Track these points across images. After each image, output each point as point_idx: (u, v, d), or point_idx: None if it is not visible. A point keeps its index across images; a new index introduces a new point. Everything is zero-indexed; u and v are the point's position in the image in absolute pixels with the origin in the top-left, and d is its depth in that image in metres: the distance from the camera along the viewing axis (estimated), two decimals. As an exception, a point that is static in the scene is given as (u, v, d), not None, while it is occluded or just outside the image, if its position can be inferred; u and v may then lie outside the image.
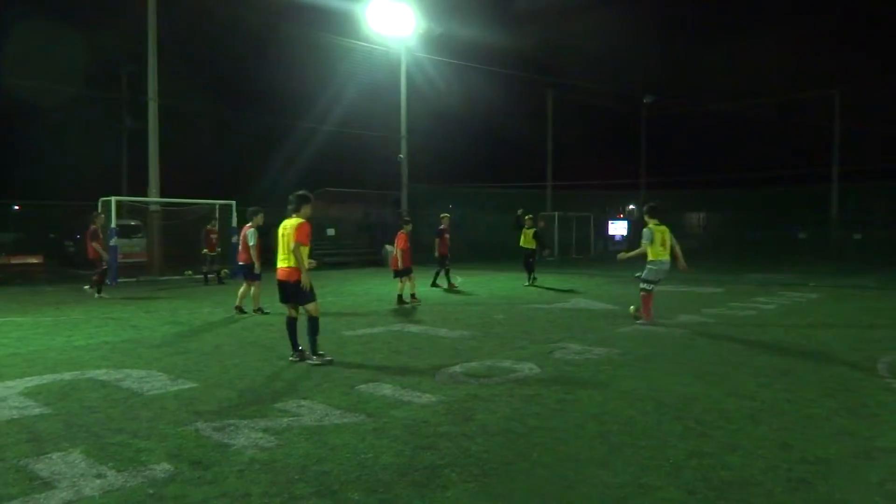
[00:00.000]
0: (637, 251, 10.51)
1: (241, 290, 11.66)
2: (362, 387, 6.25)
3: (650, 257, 10.23)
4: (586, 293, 15.06)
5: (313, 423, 5.13)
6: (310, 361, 7.29)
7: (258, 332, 9.71)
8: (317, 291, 11.50)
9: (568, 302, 13.40)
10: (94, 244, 13.85)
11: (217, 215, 19.47)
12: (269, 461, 4.31)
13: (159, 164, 20.91)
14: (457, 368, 7.04)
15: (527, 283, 16.97)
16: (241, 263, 11.66)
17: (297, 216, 7.25)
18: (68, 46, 30.68)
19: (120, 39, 29.99)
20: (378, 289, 16.37)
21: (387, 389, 6.15)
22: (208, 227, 18.07)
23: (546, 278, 18.29)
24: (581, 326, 10.14)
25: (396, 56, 27.63)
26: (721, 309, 12.02)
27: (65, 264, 23.32)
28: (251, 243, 11.28)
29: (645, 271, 10.34)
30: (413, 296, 13.03)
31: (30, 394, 6.01)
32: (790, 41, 42.60)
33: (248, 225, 11.50)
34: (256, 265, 11.30)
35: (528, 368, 7.04)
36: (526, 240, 17.31)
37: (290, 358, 7.41)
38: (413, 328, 9.92)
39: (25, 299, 14.15)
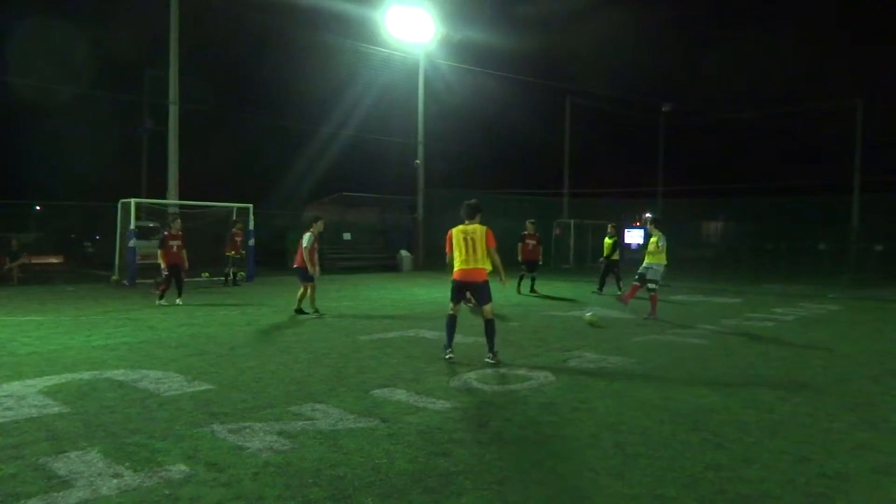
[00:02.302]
0: (662, 259, 12.09)
1: (300, 292, 11.87)
2: (377, 392, 6.26)
3: (661, 261, 12.08)
4: (601, 302, 14.98)
5: (328, 427, 5.14)
6: (486, 359, 7.64)
7: (273, 334, 9.75)
8: (333, 296, 11.58)
9: (584, 310, 13.31)
10: (161, 250, 13.32)
11: (235, 217, 19.61)
12: (283, 464, 4.33)
13: (178, 166, 21.11)
14: (471, 375, 7.03)
15: (594, 291, 16.89)
16: (295, 266, 11.83)
17: (474, 222, 7.76)
18: (89, 49, 31.14)
19: (142, 43, 30.39)
20: (393, 294, 16.40)
21: (401, 395, 6.15)
22: (234, 229, 18.20)
23: (562, 286, 18.22)
24: (596, 335, 10.08)
25: (414, 62, 27.73)
26: (739, 320, 11.90)
27: (84, 264, 23.61)
28: (305, 246, 11.49)
29: (653, 272, 12.05)
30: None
31: (49, 392, 6.08)
32: (813, 49, 42.21)
33: (310, 230, 11.67)
34: (310, 268, 11.52)
35: (542, 376, 7.01)
36: (608, 249, 17.13)
37: (446, 356, 7.79)
38: (428, 334, 9.92)
39: (45, 298, 14.33)
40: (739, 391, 6.49)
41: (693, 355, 8.42)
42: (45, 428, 5.02)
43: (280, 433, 4.95)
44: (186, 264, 13.86)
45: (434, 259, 27.25)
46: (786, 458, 4.60)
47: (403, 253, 27.01)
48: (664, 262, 12.06)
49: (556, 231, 31.78)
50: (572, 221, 32.12)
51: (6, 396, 5.92)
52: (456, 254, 7.72)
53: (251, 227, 20.41)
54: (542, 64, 40.26)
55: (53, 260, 20.89)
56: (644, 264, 12.16)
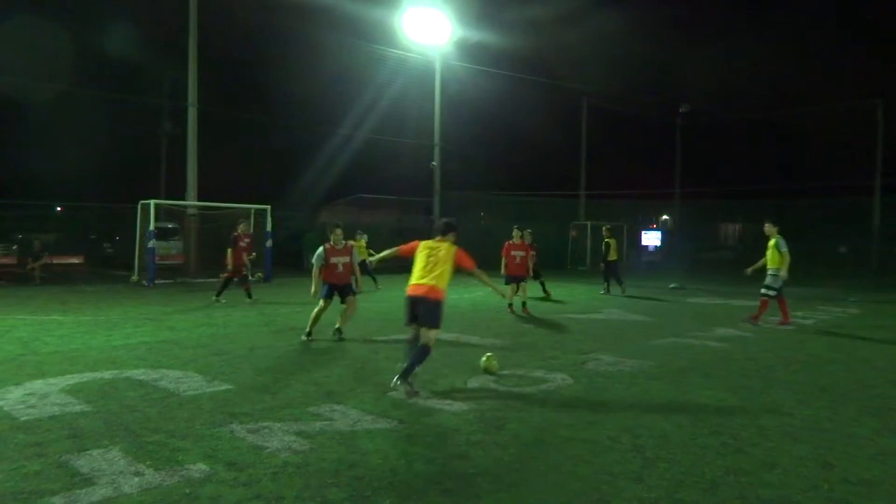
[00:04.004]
0: (781, 263, 11.35)
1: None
2: (394, 393, 6.26)
3: (780, 266, 11.35)
4: (619, 304, 14.90)
5: (346, 427, 5.16)
6: (395, 383, 6.34)
7: (291, 335, 9.80)
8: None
9: (600, 313, 13.27)
10: (232, 250, 13.89)
11: (251, 219, 19.70)
12: (302, 464, 4.35)
13: (197, 168, 21.32)
14: (488, 377, 7.02)
15: (620, 293, 17.06)
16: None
17: (445, 240, 7.01)
18: (111, 52, 31.48)
19: (163, 46, 30.69)
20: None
21: (419, 396, 6.16)
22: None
23: (578, 288, 18.17)
24: (614, 337, 10.03)
25: (431, 64, 27.78)
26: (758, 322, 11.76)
27: (104, 265, 23.88)
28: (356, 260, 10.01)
29: (774, 279, 11.36)
30: (521, 305, 13.03)
31: (71, 391, 6.16)
32: (835, 48, 41.77)
33: (350, 243, 10.05)
34: (357, 283, 10.07)
35: (560, 379, 6.99)
36: (608, 251, 17.45)
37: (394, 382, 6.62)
38: (444, 335, 9.88)
39: (66, 298, 14.52)
40: (759, 395, 6.43)
41: (712, 359, 8.36)
42: (67, 426, 5.09)
43: (299, 433, 4.98)
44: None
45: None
46: (807, 463, 4.55)
47: (419, 255, 27.02)
48: (782, 266, 11.28)
49: (573, 233, 31.68)
50: (589, 223, 31.98)
51: (29, 394, 6.00)
52: (414, 267, 6.93)
53: (269, 228, 20.55)
54: (558, 65, 40.18)
55: (74, 260, 21.16)
56: (768, 271, 11.45)
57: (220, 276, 14.43)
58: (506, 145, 40.63)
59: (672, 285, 18.92)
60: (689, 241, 33.05)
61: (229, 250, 13.95)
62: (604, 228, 18.02)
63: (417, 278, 6.81)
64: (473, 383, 6.71)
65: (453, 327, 10.78)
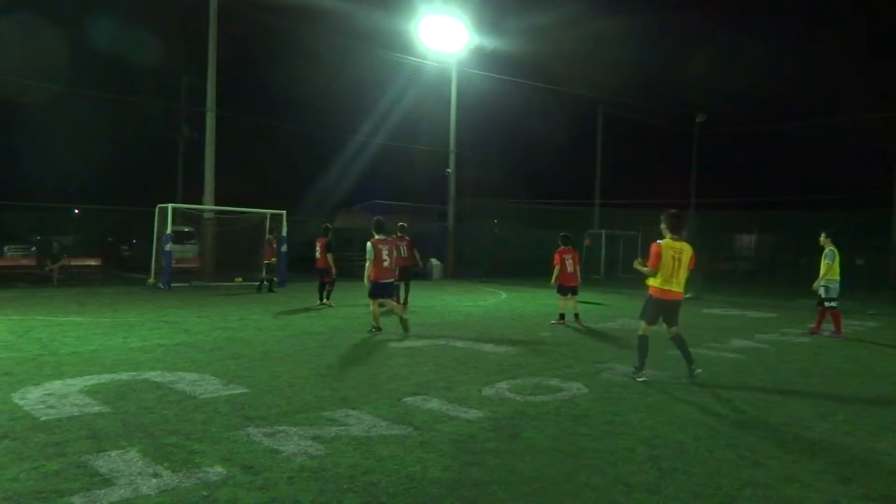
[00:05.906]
0: (828, 273, 11.46)
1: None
2: (409, 399, 6.27)
3: (832, 276, 11.44)
4: (633, 313, 14.80)
5: (361, 433, 5.17)
6: (696, 373, 7.44)
7: (306, 339, 9.85)
8: (363, 302, 11.57)
9: (615, 321, 13.21)
10: (328, 255, 14.51)
11: (268, 224, 19.82)
12: (318, 469, 4.36)
13: (214, 172, 21.49)
14: (503, 385, 7.01)
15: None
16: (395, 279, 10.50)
17: (682, 239, 7.33)
18: (132, 57, 31.85)
19: (182, 52, 31.04)
20: (422, 301, 16.43)
21: (433, 403, 6.16)
22: (270, 236, 18.10)
23: (592, 297, 18.08)
24: (629, 347, 9.94)
25: (447, 71, 27.87)
26: (775, 334, 11.68)
27: (121, 267, 24.13)
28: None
29: (828, 290, 11.48)
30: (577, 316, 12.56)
31: (89, 392, 6.23)
32: (852, 59, 41.46)
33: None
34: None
35: (575, 388, 6.96)
36: None
37: (639, 378, 7.42)
38: (458, 343, 9.93)
39: (84, 300, 14.67)
40: (777, 408, 6.37)
41: (729, 370, 8.29)
42: (86, 426, 5.14)
43: (314, 438, 5.00)
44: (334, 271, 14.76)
45: (463, 267, 27.27)
46: (826, 477, 4.50)
47: (433, 261, 27.05)
48: (834, 276, 11.42)
49: (587, 241, 31.58)
50: (603, 232, 31.87)
51: (49, 395, 6.07)
52: (662, 271, 7.21)
53: (284, 233, 20.66)
54: (574, 73, 40.15)
55: (91, 262, 21.37)
56: (820, 283, 11.49)
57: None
58: (521, 153, 40.64)
59: (687, 296, 18.73)
60: (704, 252, 32.81)
61: (329, 255, 14.48)
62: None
63: (667, 283, 7.26)
64: (488, 391, 6.70)
65: (468, 335, 10.79)
